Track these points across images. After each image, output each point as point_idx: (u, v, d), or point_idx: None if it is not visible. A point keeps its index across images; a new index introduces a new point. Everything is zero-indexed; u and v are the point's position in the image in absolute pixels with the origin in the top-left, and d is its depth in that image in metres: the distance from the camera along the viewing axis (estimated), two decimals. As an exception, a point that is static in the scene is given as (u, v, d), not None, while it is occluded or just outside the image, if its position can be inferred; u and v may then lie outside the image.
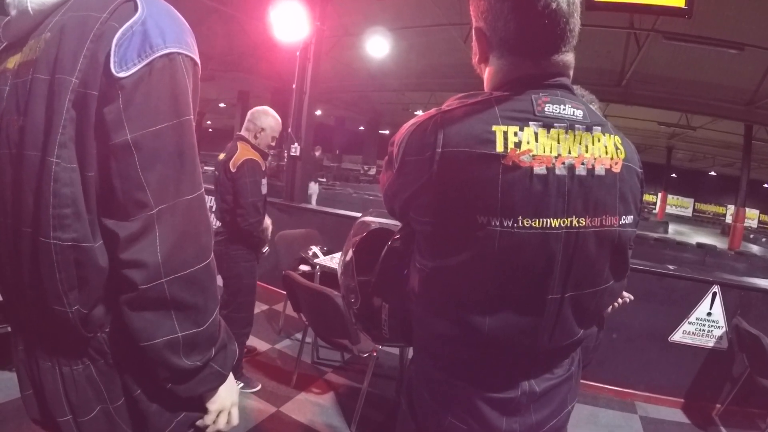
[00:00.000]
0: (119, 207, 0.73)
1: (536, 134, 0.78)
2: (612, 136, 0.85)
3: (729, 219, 18.79)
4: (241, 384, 2.78)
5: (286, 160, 4.84)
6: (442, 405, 0.90)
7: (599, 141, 0.83)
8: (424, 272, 0.85)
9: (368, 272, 0.98)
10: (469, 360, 0.87)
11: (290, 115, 4.77)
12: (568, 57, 0.86)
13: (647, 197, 28.65)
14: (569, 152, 0.80)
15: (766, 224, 28.65)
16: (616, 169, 0.84)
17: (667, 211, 25.11)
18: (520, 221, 0.76)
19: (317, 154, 12.81)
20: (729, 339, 3.27)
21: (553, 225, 0.78)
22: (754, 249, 17.45)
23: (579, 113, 0.82)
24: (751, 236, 20.96)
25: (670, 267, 3.75)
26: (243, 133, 2.71)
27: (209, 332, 0.81)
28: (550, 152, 0.78)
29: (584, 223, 0.81)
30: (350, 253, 1.05)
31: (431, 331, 0.89)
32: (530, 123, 0.79)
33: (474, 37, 0.90)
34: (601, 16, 7.21)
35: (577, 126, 0.82)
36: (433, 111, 0.83)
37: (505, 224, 0.76)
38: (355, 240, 1.06)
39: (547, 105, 0.81)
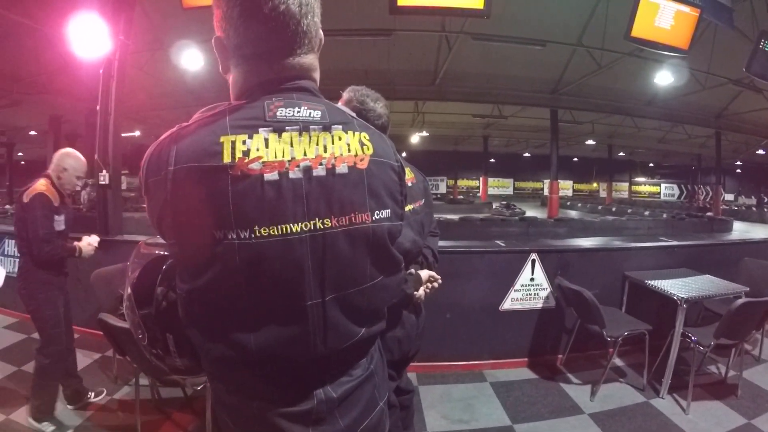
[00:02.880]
0: None
1: (266, 140, 0.77)
2: (357, 133, 0.86)
3: (546, 192, 21.65)
4: (53, 428, 2.68)
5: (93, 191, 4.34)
6: (244, 428, 0.85)
7: (340, 139, 0.83)
8: (182, 297, 0.81)
9: (149, 304, 0.91)
10: (254, 379, 0.83)
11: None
12: (306, 59, 0.86)
13: (470, 182, 31.59)
14: (305, 154, 0.80)
15: (580, 191, 33.85)
16: (362, 165, 0.84)
17: (489, 192, 27.87)
18: (257, 231, 0.75)
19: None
20: (555, 297, 3.72)
21: (294, 230, 0.77)
22: (573, 213, 20.45)
23: (316, 114, 0.83)
24: (568, 203, 24.55)
25: (500, 243, 4.15)
26: (49, 170, 2.75)
27: None
28: (282, 156, 0.78)
29: (330, 224, 0.80)
30: (128, 289, 0.96)
31: (209, 356, 0.84)
32: (260, 129, 0.78)
33: (215, 48, 0.87)
34: (414, 20, 7.70)
35: (312, 127, 0.82)
36: (174, 128, 0.79)
37: (242, 236, 0.74)
38: (133, 276, 0.96)
39: (279, 109, 0.80)
